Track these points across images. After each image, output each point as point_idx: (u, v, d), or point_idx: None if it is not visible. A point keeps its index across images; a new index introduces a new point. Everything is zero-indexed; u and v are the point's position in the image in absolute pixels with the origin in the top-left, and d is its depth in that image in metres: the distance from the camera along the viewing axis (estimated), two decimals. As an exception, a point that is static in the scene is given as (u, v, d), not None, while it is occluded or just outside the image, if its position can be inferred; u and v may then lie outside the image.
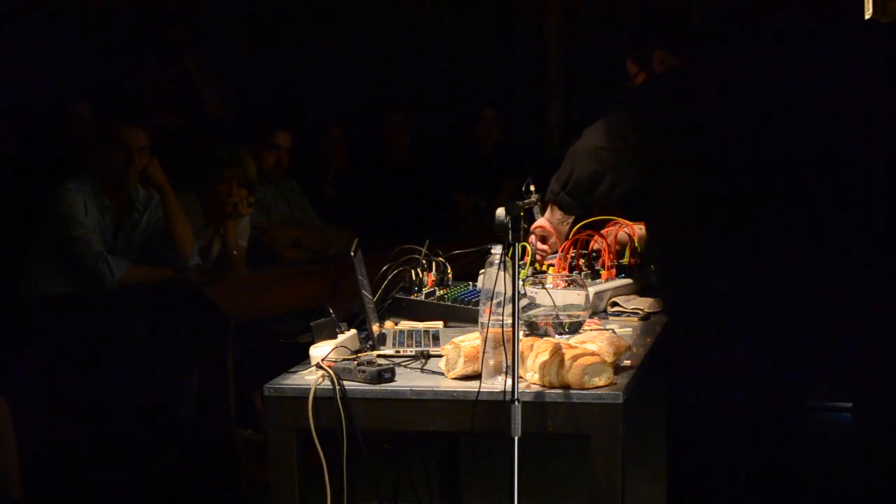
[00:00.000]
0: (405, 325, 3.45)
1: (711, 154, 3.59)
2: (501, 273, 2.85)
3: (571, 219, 3.87)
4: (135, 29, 6.84)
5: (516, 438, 2.71)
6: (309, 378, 2.97)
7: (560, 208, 3.83)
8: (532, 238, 3.85)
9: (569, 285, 3.36)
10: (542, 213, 3.90)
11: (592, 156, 3.66)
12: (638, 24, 3.99)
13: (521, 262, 3.63)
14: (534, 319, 3.25)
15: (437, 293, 3.56)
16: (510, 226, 2.86)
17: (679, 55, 3.75)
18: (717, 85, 3.73)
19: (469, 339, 2.97)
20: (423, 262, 3.61)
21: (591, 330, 3.25)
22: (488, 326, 2.83)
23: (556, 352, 2.87)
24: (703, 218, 3.60)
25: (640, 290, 3.88)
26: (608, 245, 3.92)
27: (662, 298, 3.74)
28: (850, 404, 6.06)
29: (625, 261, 3.98)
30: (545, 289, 3.34)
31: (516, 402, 2.71)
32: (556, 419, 2.82)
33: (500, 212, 2.88)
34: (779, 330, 3.60)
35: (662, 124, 3.63)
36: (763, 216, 3.58)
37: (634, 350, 3.17)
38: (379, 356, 3.12)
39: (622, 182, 3.66)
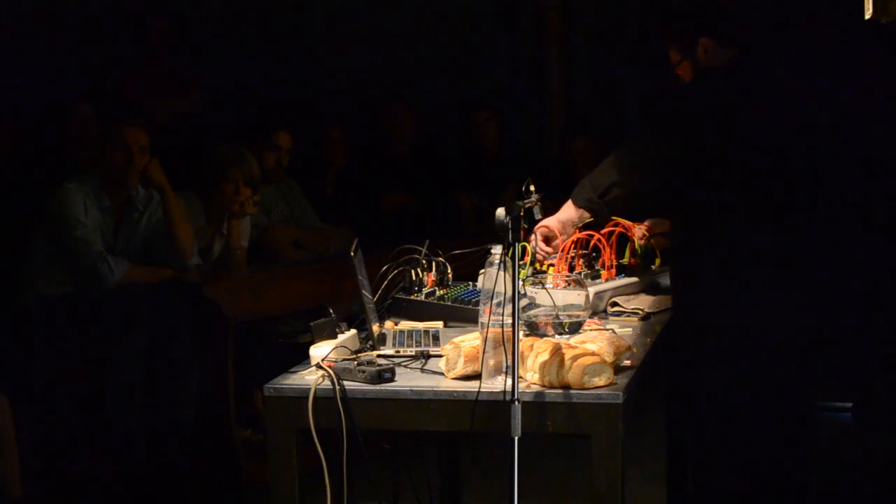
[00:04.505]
0: (405, 325, 3.45)
1: (759, 162, 3.53)
2: (501, 273, 2.85)
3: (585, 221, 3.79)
4: (120, 28, 6.86)
5: (516, 438, 2.71)
6: (309, 378, 2.97)
7: (593, 215, 3.71)
8: (533, 238, 3.82)
9: (569, 285, 3.36)
10: (543, 213, 3.86)
11: (644, 172, 3.53)
12: (682, 9, 3.83)
13: (521, 262, 3.63)
14: (534, 319, 3.24)
15: (437, 293, 3.56)
16: (510, 226, 2.86)
17: (727, 46, 3.65)
18: (769, 85, 3.62)
19: (469, 339, 2.97)
20: (423, 262, 3.61)
21: (591, 330, 3.25)
22: (488, 326, 2.83)
23: (556, 352, 2.87)
24: (728, 219, 3.55)
25: (641, 290, 3.88)
26: (608, 245, 3.92)
27: (672, 297, 3.73)
28: (850, 404, 6.06)
29: (625, 261, 3.98)
30: (545, 289, 3.34)
31: (516, 402, 2.71)
32: (556, 419, 2.82)
33: (500, 212, 2.88)
34: (781, 330, 3.60)
35: (719, 134, 3.51)
36: (777, 216, 3.56)
37: (634, 350, 3.17)
38: (379, 356, 3.12)
39: (666, 195, 3.61)
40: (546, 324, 3.23)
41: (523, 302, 3.28)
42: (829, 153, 3.72)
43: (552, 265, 3.82)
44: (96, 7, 6.97)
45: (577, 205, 3.70)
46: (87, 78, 6.59)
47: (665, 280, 3.91)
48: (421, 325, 3.42)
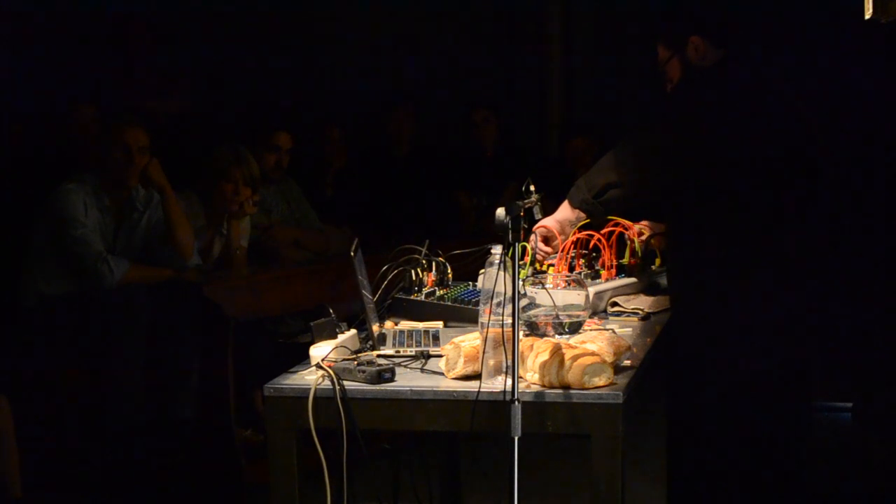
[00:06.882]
0: (405, 325, 3.45)
1: (755, 162, 3.53)
2: (501, 273, 2.85)
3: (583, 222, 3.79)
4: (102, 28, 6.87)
5: (516, 438, 2.71)
6: (309, 378, 2.97)
7: (588, 215, 3.72)
8: (533, 238, 3.82)
9: (569, 285, 3.36)
10: (543, 213, 3.86)
11: (639, 173, 3.53)
12: (674, 6, 3.84)
13: (521, 262, 3.63)
14: (534, 319, 3.24)
15: (437, 293, 3.56)
16: (510, 226, 2.86)
17: (716, 46, 3.66)
18: (761, 85, 3.62)
19: (469, 339, 2.97)
20: (423, 262, 3.61)
21: (591, 330, 3.25)
22: (488, 326, 2.83)
23: (556, 352, 2.87)
24: (725, 218, 3.55)
25: (641, 290, 3.88)
26: (608, 245, 3.92)
27: (671, 297, 3.73)
28: (850, 404, 6.06)
29: (625, 261, 3.97)
30: (545, 289, 3.34)
31: (516, 402, 2.71)
32: (556, 419, 2.82)
33: (500, 212, 2.88)
34: (781, 331, 3.60)
35: (712, 134, 3.51)
36: (774, 216, 3.55)
37: (634, 350, 3.17)
38: (379, 356, 3.12)
39: (661, 196, 3.61)
40: (546, 324, 3.23)
41: (523, 302, 3.28)
42: (827, 153, 3.72)
43: (552, 265, 3.82)
44: (95, 6, 6.98)
45: (573, 205, 3.71)
46: (87, 78, 6.60)
47: (665, 280, 3.91)
48: (421, 325, 3.42)
